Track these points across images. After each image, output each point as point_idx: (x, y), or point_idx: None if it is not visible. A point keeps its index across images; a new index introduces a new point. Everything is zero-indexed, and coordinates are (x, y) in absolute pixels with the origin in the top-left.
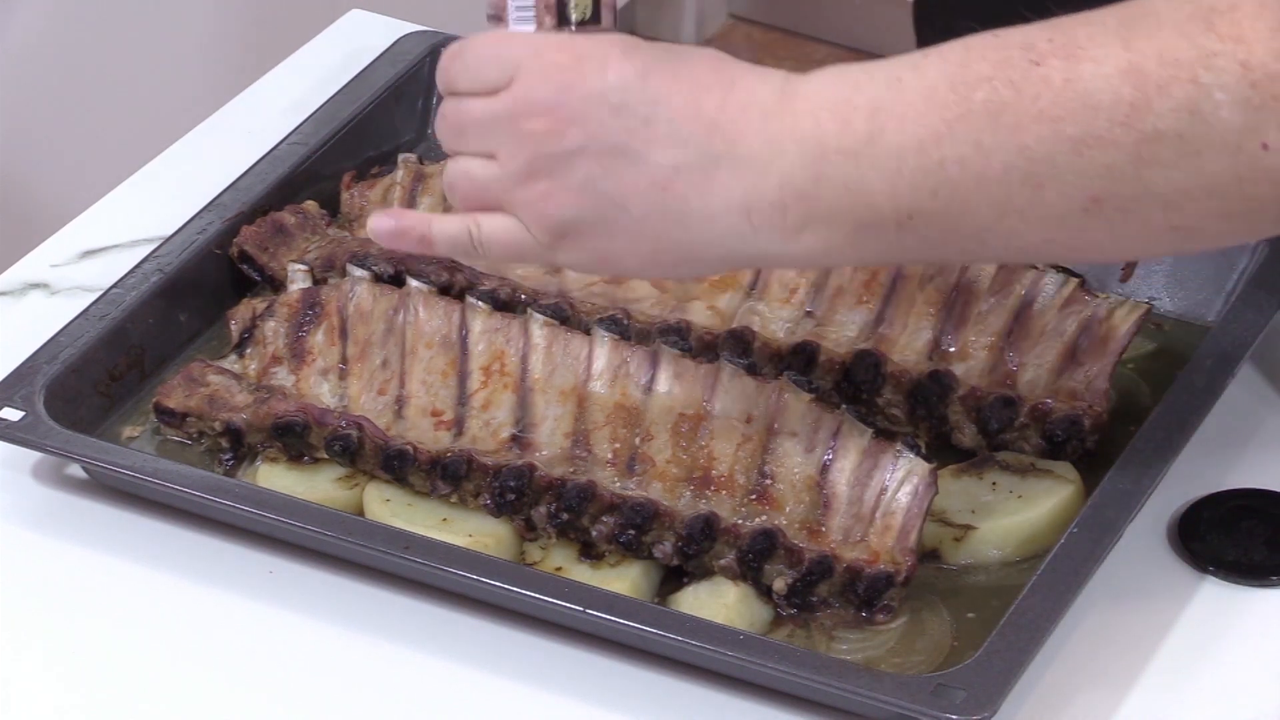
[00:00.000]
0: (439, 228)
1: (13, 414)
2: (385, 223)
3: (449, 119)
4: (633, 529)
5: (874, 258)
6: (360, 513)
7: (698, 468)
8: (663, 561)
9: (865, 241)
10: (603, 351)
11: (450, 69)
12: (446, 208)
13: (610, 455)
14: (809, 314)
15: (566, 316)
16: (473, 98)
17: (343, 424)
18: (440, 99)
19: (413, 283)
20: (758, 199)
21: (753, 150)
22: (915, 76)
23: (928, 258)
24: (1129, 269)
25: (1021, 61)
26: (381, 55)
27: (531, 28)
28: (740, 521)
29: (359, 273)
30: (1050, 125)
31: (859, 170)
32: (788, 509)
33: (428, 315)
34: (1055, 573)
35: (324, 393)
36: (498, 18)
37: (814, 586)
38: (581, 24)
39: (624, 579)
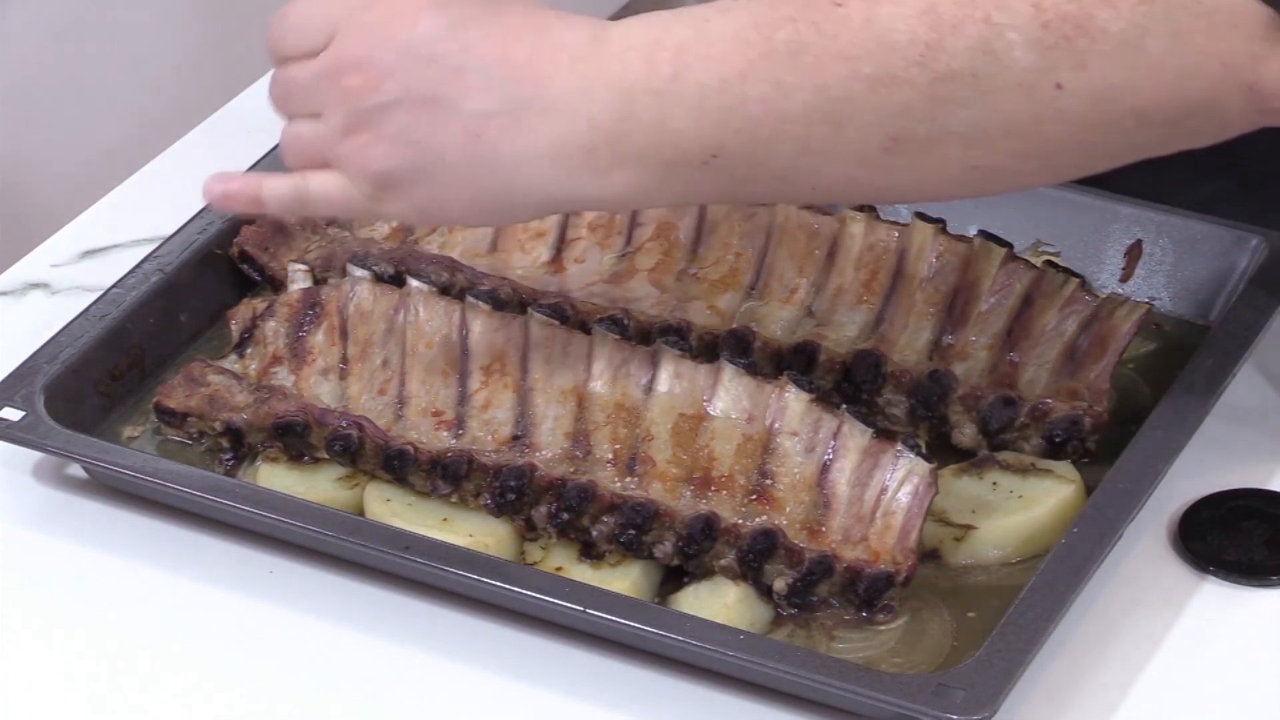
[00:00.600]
0: (269, 187)
1: (13, 414)
2: (215, 187)
3: (278, 83)
4: (633, 529)
5: (684, 197)
6: (360, 513)
7: (698, 468)
8: (663, 561)
9: (674, 181)
10: (603, 351)
11: (275, 34)
12: None
13: (610, 455)
14: (809, 314)
15: (566, 316)
16: (298, 61)
17: (343, 424)
18: None
19: (413, 283)
20: (568, 142)
21: (562, 94)
22: (722, 18)
23: (737, 196)
24: (1129, 269)
25: (825, 3)
26: None
27: None
28: (740, 521)
29: (359, 273)
30: (848, 64)
31: (664, 110)
32: (788, 509)
33: (428, 315)
34: (1055, 573)
35: (324, 393)
36: None
37: (814, 586)
38: None
39: (624, 579)
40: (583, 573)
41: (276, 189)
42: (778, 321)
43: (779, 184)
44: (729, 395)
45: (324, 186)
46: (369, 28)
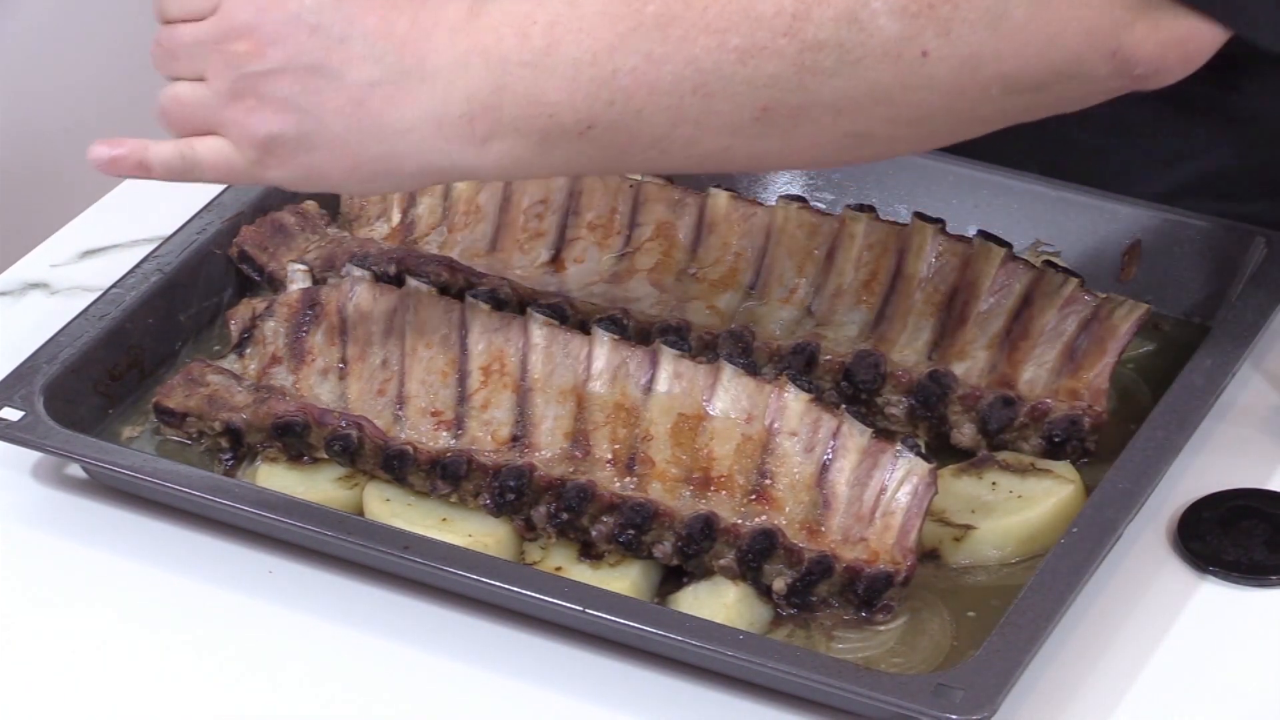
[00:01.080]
0: (155, 152)
1: (13, 414)
2: (101, 151)
3: (160, 44)
4: (632, 529)
5: (563, 167)
6: (360, 513)
7: (697, 468)
8: (662, 561)
9: (551, 151)
10: (602, 351)
11: (159, 1)
12: (446, 207)
13: (610, 455)
14: (808, 314)
15: (566, 316)
16: (183, 24)
17: (343, 424)
18: None
19: (413, 283)
20: (446, 112)
21: (440, 65)
22: None
23: (615, 167)
24: (1129, 269)
25: None
26: None
27: None
28: (740, 521)
29: (359, 273)
30: (716, 36)
31: (538, 82)
32: (787, 509)
33: (427, 315)
34: (1055, 573)
35: (324, 393)
36: None
37: (814, 586)
38: None
39: (624, 579)
40: (582, 573)
41: (162, 154)
42: (777, 321)
43: (656, 153)
44: (728, 395)
45: (208, 152)
46: None
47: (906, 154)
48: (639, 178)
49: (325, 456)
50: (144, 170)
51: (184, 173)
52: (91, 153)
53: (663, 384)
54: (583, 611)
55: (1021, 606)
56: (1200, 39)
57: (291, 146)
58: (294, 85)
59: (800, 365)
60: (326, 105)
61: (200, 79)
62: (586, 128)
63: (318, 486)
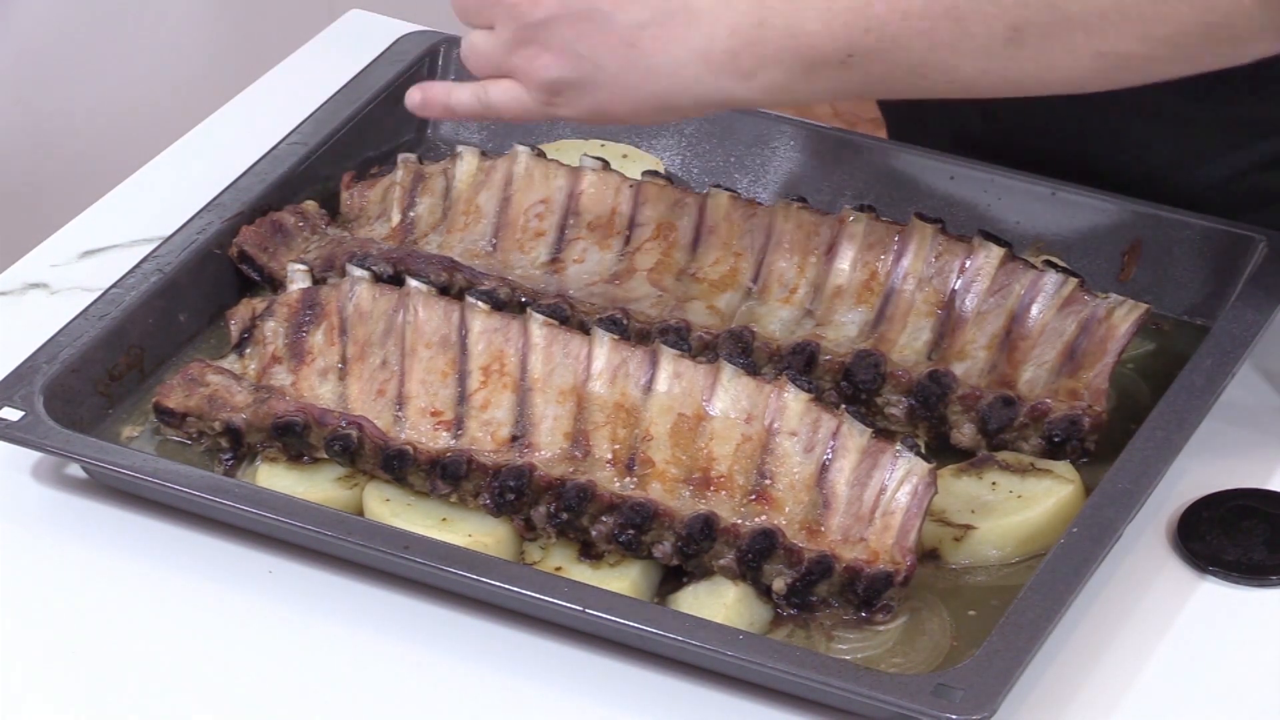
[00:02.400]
0: (456, 95)
1: (12, 414)
2: (414, 94)
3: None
4: (632, 529)
5: (829, 94)
6: (360, 513)
7: (697, 468)
8: (662, 561)
9: (815, 80)
10: (602, 351)
11: None
12: (446, 207)
13: (610, 455)
14: (809, 314)
15: (566, 316)
16: None
17: (342, 424)
18: None
19: (412, 283)
20: (712, 48)
21: (704, 3)
22: None
23: (880, 93)
24: (1129, 269)
25: None
26: (381, 55)
27: None
28: (740, 521)
29: (359, 273)
30: None
31: (796, 14)
32: (787, 509)
33: (427, 315)
34: (1055, 573)
35: (323, 393)
36: None
37: (813, 586)
38: None
39: (624, 579)
40: (582, 572)
41: (462, 97)
42: (777, 321)
43: (916, 79)
44: (728, 395)
45: (501, 95)
46: None
47: (1161, 78)
48: (639, 178)
49: (325, 456)
50: (449, 111)
51: (482, 113)
52: (408, 97)
53: (663, 384)
54: (583, 611)
55: (1021, 606)
56: None
57: (575, 89)
58: (569, 31)
59: (800, 365)
60: (600, 48)
61: (490, 28)
62: (846, 56)
63: (318, 486)
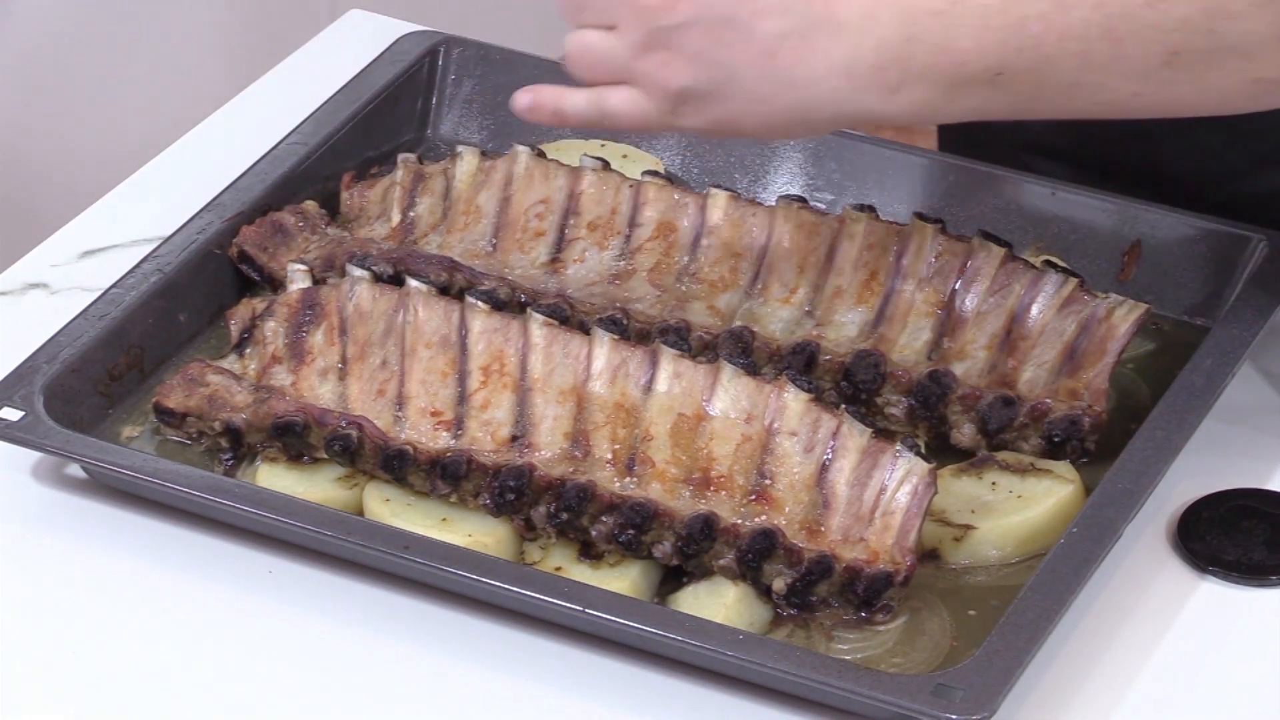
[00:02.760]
0: (569, 101)
1: (12, 414)
2: (523, 98)
3: None
4: (632, 529)
5: (973, 112)
6: (360, 513)
7: (697, 468)
8: (662, 561)
9: (960, 97)
10: (602, 351)
11: None
12: (446, 207)
13: (610, 455)
14: (809, 314)
15: (566, 316)
16: None
17: (342, 424)
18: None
19: (412, 283)
20: (856, 62)
21: (849, 16)
22: None
23: (1025, 111)
24: (1129, 269)
25: None
26: (381, 55)
27: None
28: (740, 521)
29: (359, 273)
30: None
31: (947, 31)
32: (787, 509)
33: (427, 315)
34: (1055, 573)
35: (323, 393)
36: None
37: (813, 586)
38: None
39: (624, 579)
40: (582, 573)
41: (576, 103)
42: (777, 321)
43: (1065, 99)
44: (728, 395)
45: (620, 103)
46: None
47: None
48: (639, 177)
49: (325, 456)
50: (559, 117)
51: (597, 121)
52: (515, 99)
53: (662, 384)
54: (583, 611)
55: (1021, 606)
56: None
57: (705, 98)
58: (705, 38)
59: (800, 365)
60: (738, 58)
61: (608, 28)
62: (996, 74)
63: (318, 486)
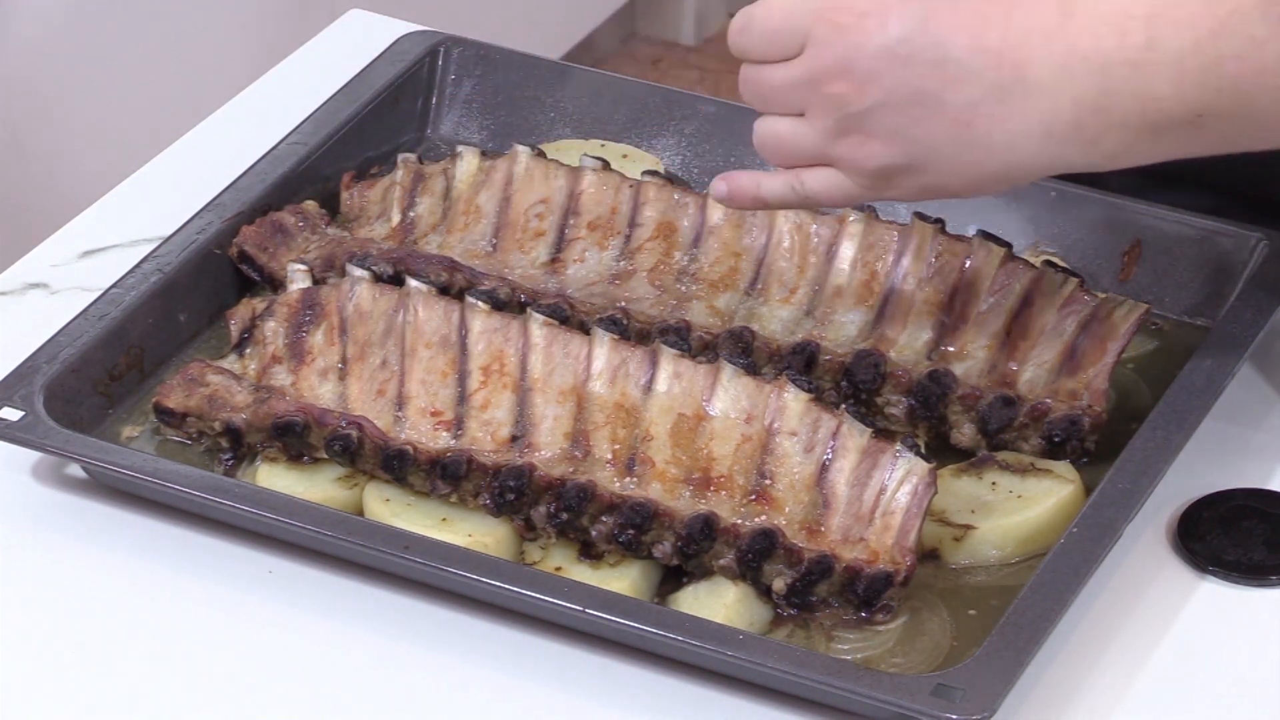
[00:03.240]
0: (767, 187)
1: (12, 414)
2: (720, 186)
3: (750, 84)
4: (632, 529)
5: (1174, 153)
6: (360, 513)
7: (697, 468)
8: (662, 561)
9: (1163, 141)
10: (602, 351)
11: (741, 41)
12: (446, 207)
13: (610, 455)
14: (809, 314)
15: (566, 316)
16: (769, 65)
17: (342, 424)
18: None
19: (412, 283)
20: (1054, 120)
21: (1041, 76)
22: None
23: (1228, 148)
24: (1129, 269)
25: None
26: (381, 55)
27: None
28: (739, 521)
29: (359, 273)
30: None
31: (1144, 78)
32: (787, 509)
33: (427, 315)
34: (1055, 573)
35: (323, 393)
36: None
37: (813, 586)
38: None
39: (624, 579)
40: (582, 573)
41: (775, 188)
42: (777, 321)
43: (1268, 135)
44: (728, 395)
45: (820, 184)
46: (843, 32)
47: None
48: (639, 177)
49: (325, 456)
50: (759, 202)
51: (798, 203)
52: (713, 188)
53: (662, 384)
54: (583, 611)
55: (1021, 606)
56: None
57: (905, 172)
58: (898, 117)
59: (800, 365)
60: (933, 132)
61: (797, 115)
62: (1196, 116)
63: (318, 486)
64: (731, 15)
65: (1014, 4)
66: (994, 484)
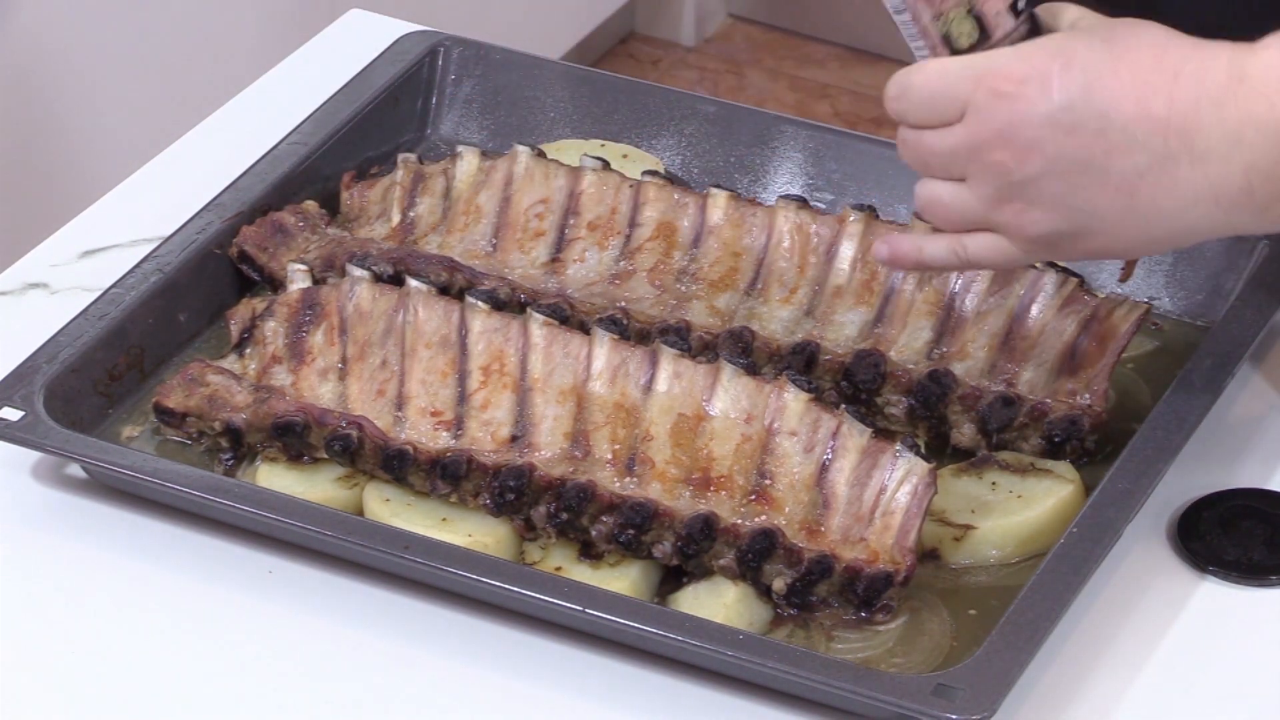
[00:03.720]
0: (930, 251)
1: (12, 414)
2: (881, 250)
3: (910, 148)
4: (632, 529)
5: None
6: (360, 513)
7: (697, 468)
8: (662, 561)
9: None
10: (602, 351)
11: (899, 106)
12: (446, 207)
13: (610, 455)
14: (809, 314)
15: (566, 316)
16: (929, 130)
17: (343, 424)
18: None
19: (412, 283)
20: (1224, 187)
21: (1210, 144)
22: None
23: None
24: (1129, 268)
25: None
26: (381, 55)
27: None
28: (739, 521)
29: (359, 273)
30: None
31: None
32: (787, 509)
33: (427, 315)
34: (1055, 573)
35: (323, 393)
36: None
37: (813, 586)
38: (972, 47)
39: (624, 579)
40: (582, 573)
41: (937, 252)
42: (777, 321)
43: None
44: (728, 395)
45: (982, 249)
46: (1004, 100)
47: None
48: (639, 177)
49: (325, 456)
50: (921, 265)
51: (959, 266)
52: (874, 252)
53: (662, 384)
54: (583, 611)
55: (1021, 606)
56: None
57: (1069, 239)
58: (1060, 186)
59: (800, 365)
60: (1097, 200)
61: (958, 180)
62: None
63: (318, 486)
64: (733, 15)
65: (1179, 69)
66: (994, 484)
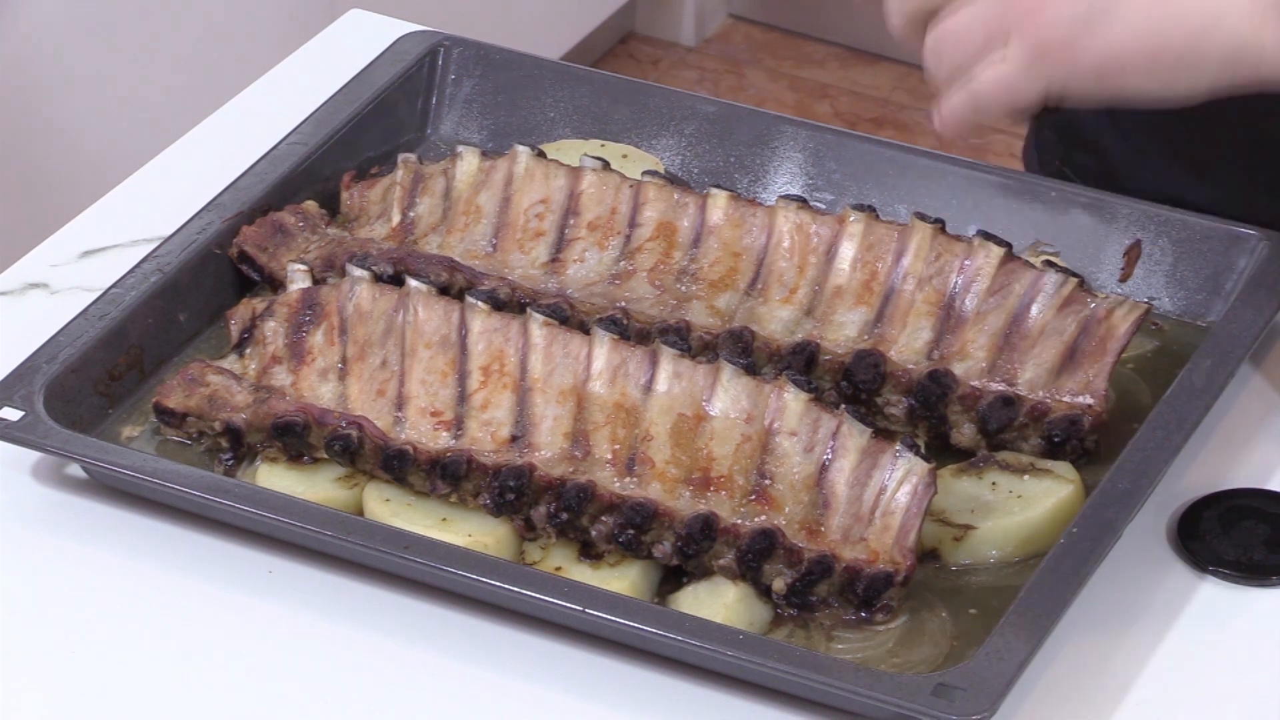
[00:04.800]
0: (948, 107)
1: (12, 414)
2: (936, 124)
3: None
4: (632, 529)
5: None
6: (360, 513)
7: (697, 468)
8: (662, 561)
9: None
10: (602, 351)
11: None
12: (446, 207)
13: (610, 455)
14: (809, 314)
15: (566, 316)
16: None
17: (343, 424)
18: None
19: (412, 283)
20: None
21: None
22: None
23: None
24: (1129, 269)
25: None
26: (381, 55)
27: None
28: (739, 521)
29: (359, 273)
30: None
31: None
32: (787, 509)
33: (427, 315)
34: (1055, 573)
35: (324, 393)
36: None
37: (813, 586)
38: None
39: (623, 579)
40: (582, 573)
41: (952, 102)
42: (777, 321)
43: None
44: (728, 395)
45: (987, 82)
46: None
47: None
48: (639, 177)
49: (325, 456)
50: (949, 122)
51: (973, 108)
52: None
53: (662, 384)
54: (583, 611)
55: (1021, 606)
56: None
57: (1082, 39)
58: None
59: (800, 365)
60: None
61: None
62: None
63: (318, 486)
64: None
65: None
66: (994, 484)
